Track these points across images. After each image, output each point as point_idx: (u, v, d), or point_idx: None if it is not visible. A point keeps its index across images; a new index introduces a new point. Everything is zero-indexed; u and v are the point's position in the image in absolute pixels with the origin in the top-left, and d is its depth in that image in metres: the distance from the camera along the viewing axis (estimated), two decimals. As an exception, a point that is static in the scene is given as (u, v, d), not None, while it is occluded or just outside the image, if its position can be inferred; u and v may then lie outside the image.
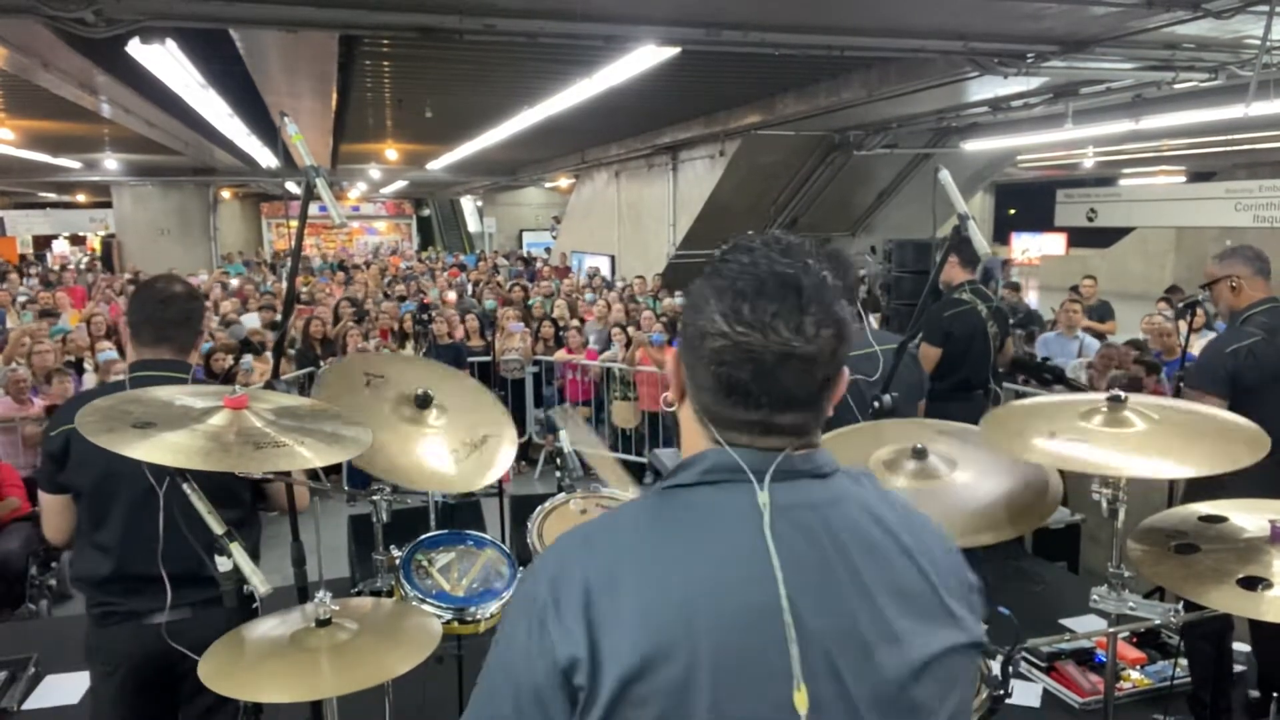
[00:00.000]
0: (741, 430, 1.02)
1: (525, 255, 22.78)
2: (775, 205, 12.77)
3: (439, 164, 17.35)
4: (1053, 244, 23.29)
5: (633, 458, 7.82)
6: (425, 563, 2.61)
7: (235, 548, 1.90)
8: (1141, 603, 2.12)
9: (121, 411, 1.92)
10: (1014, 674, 1.75)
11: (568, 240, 19.44)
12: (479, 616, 2.44)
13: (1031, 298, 13.33)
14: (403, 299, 11.90)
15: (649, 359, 7.62)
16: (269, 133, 11.69)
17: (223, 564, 1.91)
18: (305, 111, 9.40)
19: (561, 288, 12.48)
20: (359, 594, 2.62)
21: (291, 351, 8.22)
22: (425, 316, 8.31)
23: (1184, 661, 3.32)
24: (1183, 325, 4.77)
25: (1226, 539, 1.98)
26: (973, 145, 11.44)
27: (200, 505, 1.90)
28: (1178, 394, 3.67)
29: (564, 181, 22.63)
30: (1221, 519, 2.06)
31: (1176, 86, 7.13)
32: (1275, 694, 3.26)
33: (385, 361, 4.21)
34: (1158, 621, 2.11)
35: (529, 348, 8.57)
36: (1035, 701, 3.30)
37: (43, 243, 26.23)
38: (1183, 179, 20.08)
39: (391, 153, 15.75)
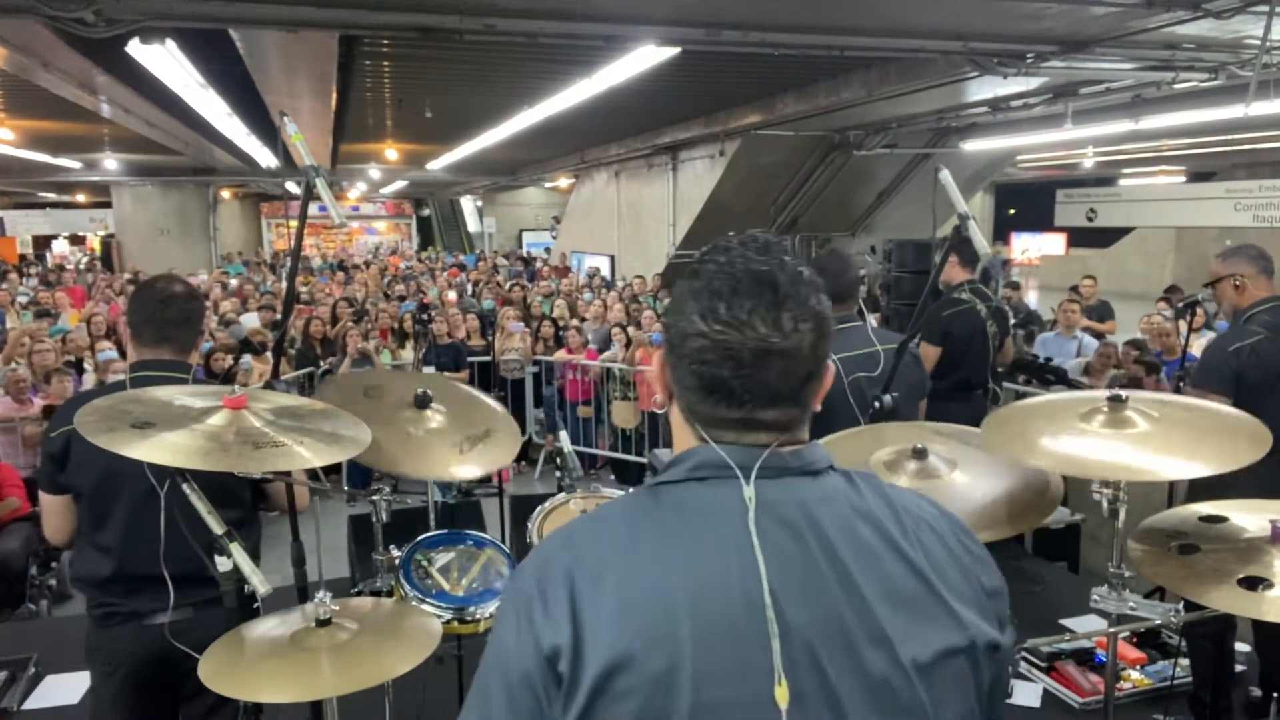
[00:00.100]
0: (727, 428, 1.03)
1: (525, 255, 22.79)
2: (775, 205, 12.77)
3: (439, 164, 17.35)
4: (1052, 244, 23.32)
5: (633, 458, 7.83)
6: (425, 563, 2.61)
7: (235, 548, 1.90)
8: (1142, 603, 2.12)
9: (121, 411, 1.92)
10: (1014, 674, 1.75)
11: (568, 240, 19.44)
12: (479, 616, 2.44)
13: (1031, 298, 13.35)
14: (402, 299, 11.90)
15: (649, 359, 7.62)
16: (269, 133, 11.69)
17: (223, 564, 1.91)
18: (305, 111, 9.40)
19: (561, 287, 12.48)
20: (359, 594, 2.62)
21: (291, 351, 8.23)
22: (425, 316, 8.31)
23: (1184, 661, 3.32)
24: (1182, 325, 4.77)
25: (1227, 539, 1.98)
26: (972, 145, 11.44)
27: (200, 505, 1.90)
28: (1178, 394, 3.66)
29: (564, 181, 22.64)
30: (1222, 519, 2.06)
31: (1176, 86, 7.13)
32: (1275, 694, 3.26)
33: (381, 376, 4.22)
34: (1158, 621, 2.11)
35: (529, 348, 8.58)
36: (1035, 701, 3.30)
37: (42, 243, 26.23)
38: (1183, 179, 20.09)
39: (391, 153, 15.76)
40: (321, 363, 8.29)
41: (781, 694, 0.92)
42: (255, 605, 1.99)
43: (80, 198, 25.75)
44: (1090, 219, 20.45)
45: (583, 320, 9.65)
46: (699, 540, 0.98)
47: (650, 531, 1.00)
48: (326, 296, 11.52)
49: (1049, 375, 6.28)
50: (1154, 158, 17.02)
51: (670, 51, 5.99)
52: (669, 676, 0.92)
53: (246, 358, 7.14)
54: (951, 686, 0.99)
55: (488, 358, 8.33)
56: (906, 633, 0.97)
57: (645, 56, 6.08)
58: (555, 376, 8.42)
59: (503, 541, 3.29)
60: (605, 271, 15.63)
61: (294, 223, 2.55)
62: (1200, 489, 2.69)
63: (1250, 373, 3.14)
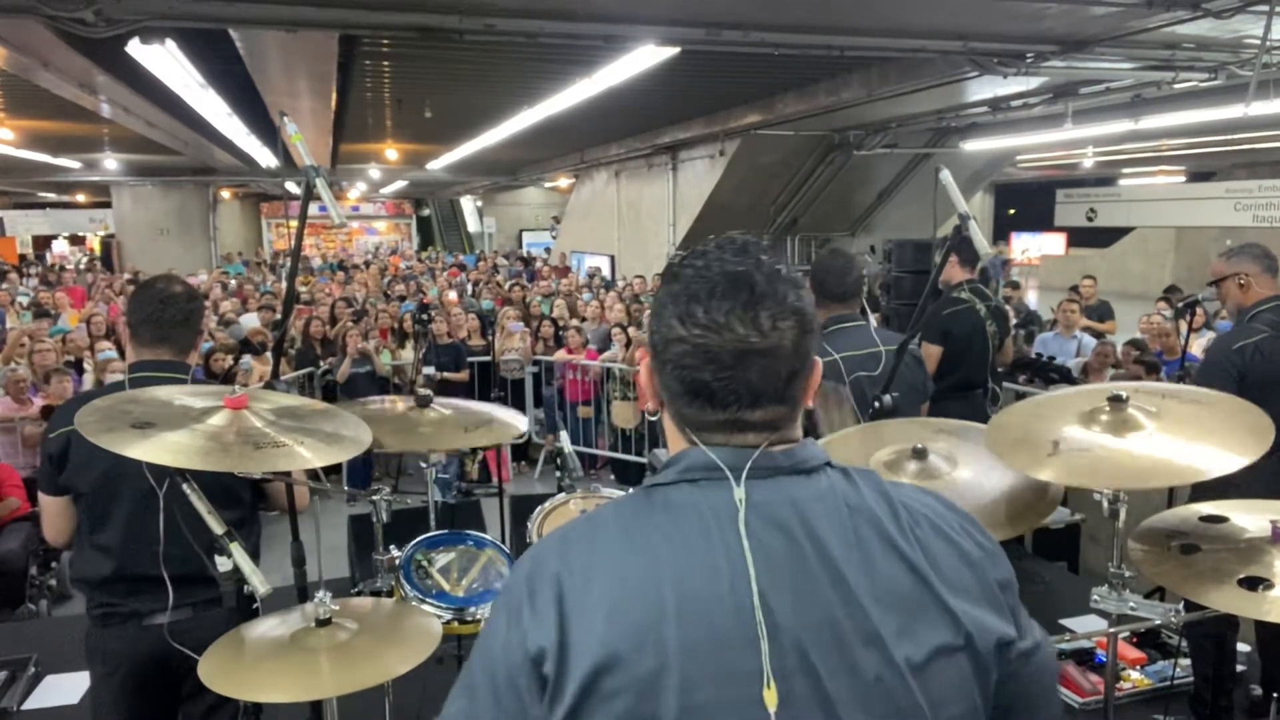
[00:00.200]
0: (715, 430, 1.03)
1: (525, 255, 22.78)
2: (775, 205, 12.78)
3: (439, 164, 17.34)
4: (1052, 244, 23.31)
5: (633, 458, 7.83)
6: (425, 563, 2.61)
7: (235, 548, 1.90)
8: (1142, 603, 2.12)
9: (121, 411, 1.92)
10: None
11: (567, 240, 19.44)
12: (479, 616, 2.44)
13: (1031, 298, 13.35)
14: (403, 299, 11.90)
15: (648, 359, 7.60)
16: (269, 132, 11.69)
17: (223, 564, 1.91)
18: (305, 111, 9.40)
19: (561, 287, 12.48)
20: (359, 594, 2.62)
21: (291, 352, 8.22)
22: (425, 316, 8.31)
23: (1185, 661, 3.32)
24: (1182, 325, 4.77)
25: (1227, 539, 1.98)
26: (972, 145, 11.44)
27: (200, 505, 1.90)
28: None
29: (564, 181, 22.63)
30: (1222, 519, 2.05)
31: (1176, 86, 7.13)
32: (1276, 694, 3.26)
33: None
34: (1158, 621, 2.11)
35: (529, 348, 8.58)
36: (1035, 701, 3.30)
37: (42, 243, 26.23)
38: (1182, 179, 20.09)
39: (391, 153, 15.75)
40: (321, 363, 8.29)
41: (770, 697, 0.92)
42: (255, 606, 1.99)
43: (80, 198, 25.74)
44: (1090, 219, 20.45)
45: (582, 320, 9.66)
46: (689, 542, 0.98)
47: (641, 533, 1.00)
48: (326, 296, 11.52)
49: (1053, 375, 6.27)
50: (1154, 158, 17.03)
51: (670, 51, 5.99)
52: (656, 678, 0.92)
53: (246, 358, 7.15)
54: (951, 686, 0.98)
55: (488, 358, 8.33)
56: (901, 631, 0.96)
57: (645, 56, 6.08)
58: (555, 376, 8.42)
59: (503, 541, 3.29)
60: (605, 271, 15.63)
61: (294, 223, 2.55)
62: (1203, 487, 2.69)
63: (1254, 371, 3.15)
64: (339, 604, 2.00)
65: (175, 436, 1.84)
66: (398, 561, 2.56)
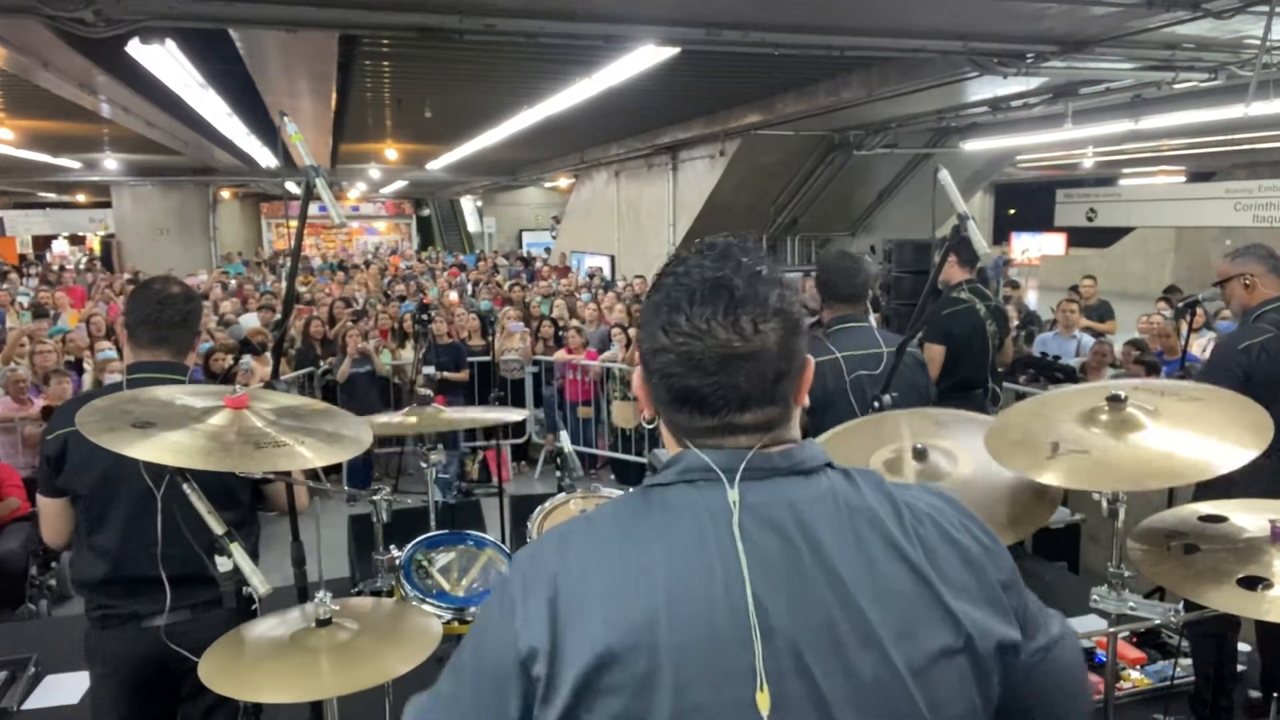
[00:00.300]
0: (707, 436, 1.03)
1: (525, 255, 22.78)
2: (775, 205, 12.77)
3: (439, 164, 17.34)
4: (1052, 244, 23.29)
5: (633, 458, 7.83)
6: (425, 563, 2.62)
7: (235, 548, 1.90)
8: (1141, 603, 2.12)
9: (122, 411, 1.92)
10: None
11: (567, 240, 19.44)
12: (479, 616, 2.44)
13: (1031, 297, 13.36)
14: (403, 299, 11.90)
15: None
16: (268, 132, 11.68)
17: (223, 564, 1.91)
18: (305, 111, 9.39)
19: (560, 287, 12.48)
20: (359, 594, 2.62)
21: (291, 352, 8.22)
22: (425, 316, 8.31)
23: (1185, 661, 3.32)
24: (1182, 325, 4.78)
25: (1227, 539, 1.98)
26: (972, 145, 11.44)
27: (200, 505, 1.91)
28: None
29: (564, 181, 22.63)
30: (1222, 519, 2.06)
31: (1176, 86, 7.13)
32: (1276, 694, 3.26)
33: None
34: (1158, 621, 2.11)
35: (529, 348, 8.58)
36: (1035, 701, 3.30)
37: (42, 243, 26.22)
38: (1182, 179, 20.09)
39: (391, 153, 15.74)
40: (321, 363, 8.29)
41: (763, 700, 0.92)
42: (253, 607, 1.99)
43: (80, 198, 25.74)
44: (1090, 219, 20.45)
45: (583, 321, 9.66)
46: (684, 542, 0.98)
47: (638, 533, 1.00)
48: (326, 297, 11.52)
49: (1058, 374, 6.27)
50: (1154, 158, 17.03)
51: (670, 51, 5.99)
52: (650, 678, 0.92)
53: (246, 358, 7.15)
54: (951, 688, 0.97)
55: (488, 358, 8.33)
56: (900, 633, 0.96)
57: (645, 56, 6.07)
58: (555, 376, 8.42)
59: (503, 541, 3.29)
60: (605, 272, 15.63)
61: (294, 223, 2.55)
62: (1205, 487, 2.69)
63: (1260, 370, 3.16)
64: (339, 604, 2.01)
65: (176, 436, 1.84)
66: (398, 561, 2.56)
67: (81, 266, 19.84)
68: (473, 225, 30.34)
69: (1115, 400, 2.03)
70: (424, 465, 3.12)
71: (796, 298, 1.04)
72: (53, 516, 2.43)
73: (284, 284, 7.24)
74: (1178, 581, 1.89)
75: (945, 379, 4.42)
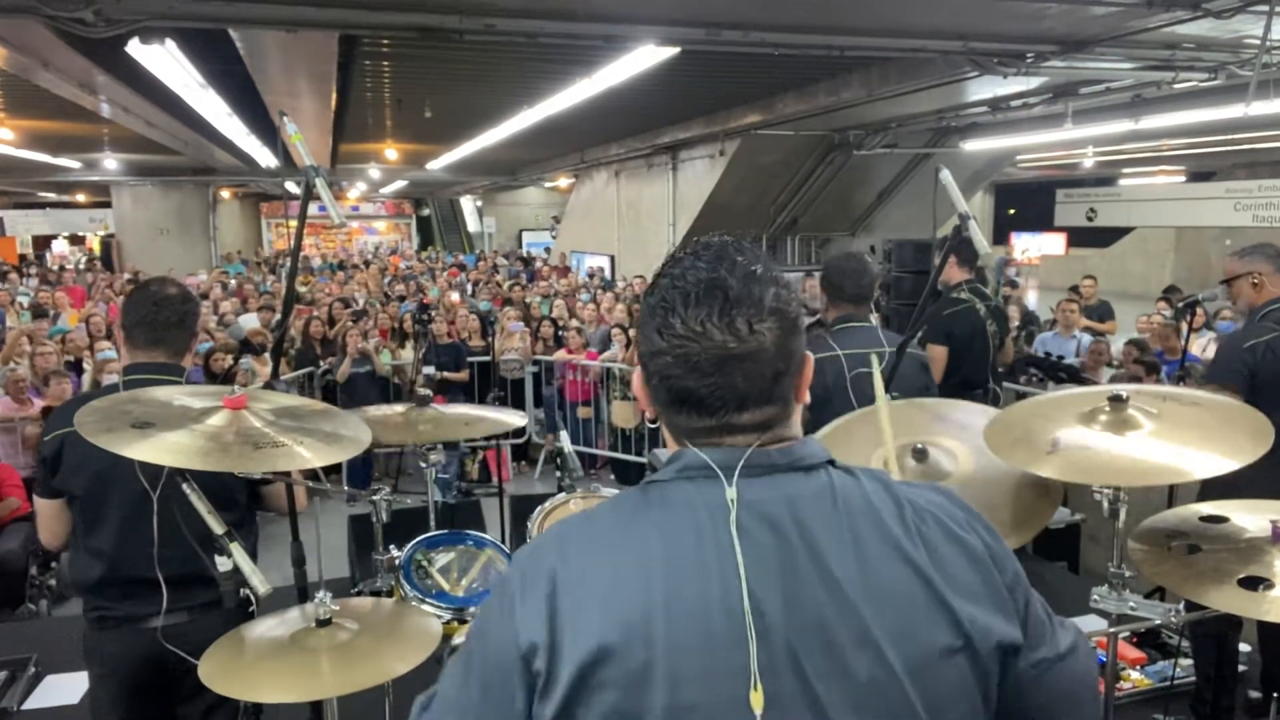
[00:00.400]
0: (706, 436, 1.03)
1: (525, 255, 22.78)
2: (775, 205, 12.77)
3: (439, 164, 17.34)
4: (1052, 244, 23.29)
5: (633, 458, 7.83)
6: (425, 563, 2.62)
7: (235, 548, 1.90)
8: (1142, 603, 2.12)
9: (121, 412, 1.92)
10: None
11: (567, 240, 19.44)
12: (479, 616, 2.44)
13: (1031, 297, 13.36)
14: (402, 299, 11.90)
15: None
16: (268, 132, 11.68)
17: (223, 564, 1.91)
18: (305, 111, 9.39)
19: (560, 287, 12.48)
20: (359, 594, 2.62)
21: (291, 352, 8.23)
22: (425, 316, 8.31)
23: (1185, 661, 3.32)
24: (1182, 325, 4.78)
25: (1227, 539, 1.98)
26: (972, 145, 11.44)
27: (200, 505, 1.90)
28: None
29: (564, 181, 22.63)
30: (1222, 519, 2.05)
31: (1176, 86, 7.13)
32: (1276, 694, 3.26)
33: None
34: (1158, 621, 2.11)
35: (529, 348, 8.58)
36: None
37: (42, 243, 26.21)
38: (1182, 179, 20.09)
39: (391, 153, 15.74)
40: (321, 363, 8.29)
41: (756, 699, 0.92)
42: (250, 609, 1.99)
43: (80, 198, 25.74)
44: (1090, 219, 20.45)
45: (582, 321, 9.66)
46: (681, 539, 0.98)
47: (637, 529, 1.01)
48: (326, 297, 11.53)
49: (1061, 374, 6.26)
50: (1154, 158, 17.03)
51: (670, 51, 5.99)
52: (645, 673, 0.92)
53: (246, 358, 7.15)
54: (950, 688, 0.97)
55: (488, 358, 8.33)
56: (897, 632, 0.95)
57: (645, 56, 6.07)
58: (555, 377, 8.42)
59: (503, 541, 3.29)
60: (606, 272, 15.63)
61: (294, 223, 2.55)
62: (1211, 487, 2.69)
63: (1265, 369, 3.17)
64: (339, 604, 2.00)
65: (175, 436, 1.84)
66: (398, 561, 2.56)
67: (81, 266, 19.85)
68: (473, 225, 30.34)
69: (1117, 400, 2.03)
70: (423, 465, 3.12)
71: (793, 296, 1.03)
72: (49, 518, 2.43)
73: (284, 284, 7.25)
74: (1178, 581, 1.89)
75: (946, 379, 4.42)
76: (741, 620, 0.93)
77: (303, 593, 2.35)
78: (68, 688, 3.47)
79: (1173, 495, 3.49)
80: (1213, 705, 3.21)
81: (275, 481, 2.45)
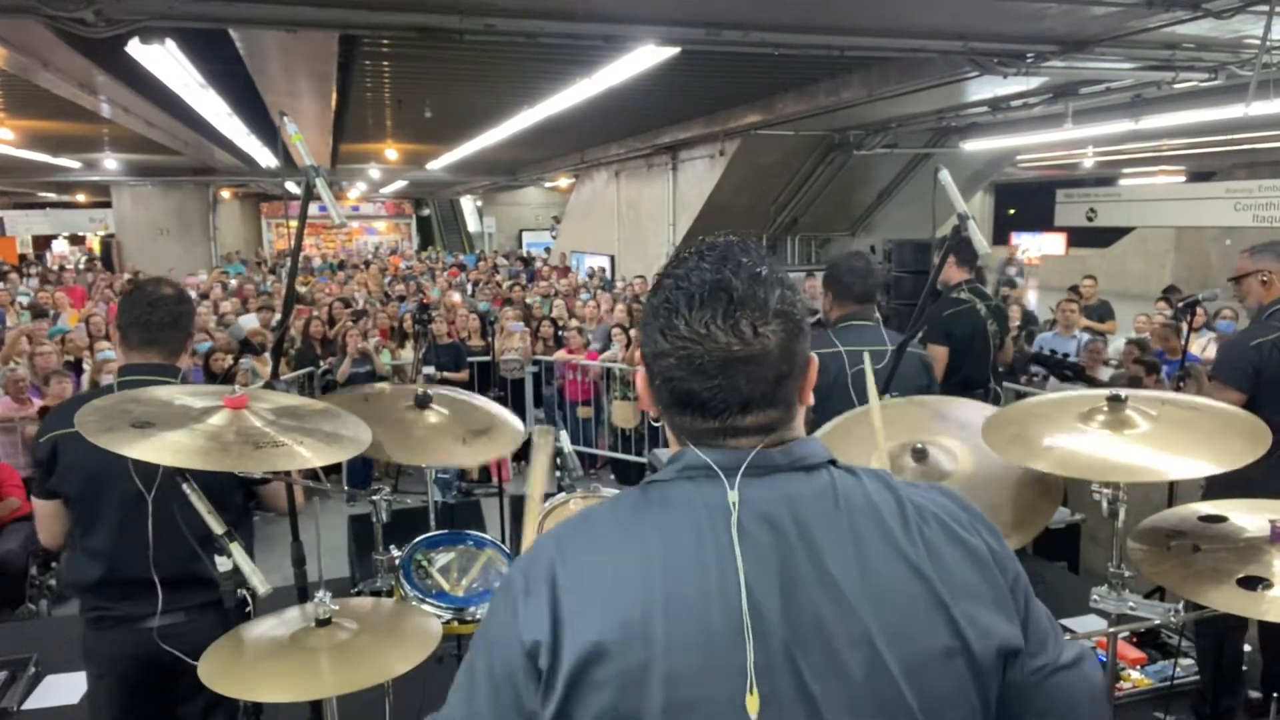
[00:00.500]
0: (709, 438, 1.03)
1: (525, 255, 22.78)
2: (775, 205, 12.77)
3: (439, 164, 17.34)
4: (1052, 244, 23.28)
5: (633, 458, 7.83)
6: (425, 563, 2.62)
7: (235, 548, 1.90)
8: (1141, 603, 2.12)
9: (121, 411, 1.92)
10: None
11: (567, 240, 19.44)
12: (478, 616, 2.44)
13: (1031, 297, 13.36)
14: (402, 299, 11.89)
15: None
16: (269, 132, 11.68)
17: (223, 564, 1.91)
18: (305, 111, 9.39)
19: (560, 288, 12.48)
20: (359, 594, 2.62)
21: (291, 352, 8.23)
22: (425, 316, 8.31)
23: (1185, 661, 3.32)
24: (1182, 325, 4.78)
25: (1227, 539, 1.98)
26: (972, 145, 11.44)
27: (200, 505, 1.90)
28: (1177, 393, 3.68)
29: (564, 181, 22.63)
30: (1222, 519, 2.06)
31: (1176, 86, 7.12)
32: (1276, 694, 3.26)
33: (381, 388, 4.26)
34: (1158, 621, 2.11)
35: (529, 348, 8.58)
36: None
37: (42, 243, 26.20)
38: (1182, 179, 20.08)
39: (391, 153, 15.74)
40: (321, 363, 8.29)
41: (752, 703, 0.92)
42: (247, 610, 1.99)
43: (80, 198, 25.73)
44: (1090, 219, 20.44)
45: (583, 321, 9.66)
46: (681, 538, 0.98)
47: (636, 528, 1.01)
48: (326, 297, 11.53)
49: (1066, 371, 6.25)
50: (1154, 158, 17.02)
51: (670, 51, 5.99)
52: (642, 672, 0.92)
53: (246, 358, 7.15)
54: (948, 689, 0.96)
55: (488, 358, 8.33)
56: (896, 632, 0.95)
57: (645, 56, 6.07)
58: (555, 376, 8.42)
59: (503, 541, 3.29)
60: (606, 272, 15.63)
61: (294, 223, 2.55)
62: (1218, 486, 2.69)
63: (1270, 367, 3.17)
64: (339, 604, 2.00)
65: (175, 436, 1.84)
66: (398, 561, 2.56)
67: (81, 266, 19.84)
68: (473, 225, 30.33)
69: (1115, 400, 2.04)
70: (423, 465, 3.12)
71: (799, 299, 1.03)
72: (47, 518, 2.44)
73: (284, 284, 7.25)
74: (1178, 581, 1.89)
75: (947, 379, 4.43)
76: (739, 619, 0.93)
77: (303, 593, 2.35)
78: (68, 688, 3.47)
79: (1173, 495, 3.49)
80: (1215, 705, 3.21)
81: (272, 481, 2.45)
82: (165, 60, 6.07)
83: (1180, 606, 2.05)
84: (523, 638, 0.97)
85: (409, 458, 2.58)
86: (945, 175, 2.56)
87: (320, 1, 5.14)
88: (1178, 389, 3.97)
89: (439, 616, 2.31)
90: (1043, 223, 22.47)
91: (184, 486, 1.90)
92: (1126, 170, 20.67)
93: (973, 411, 2.33)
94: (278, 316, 8.33)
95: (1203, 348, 7.09)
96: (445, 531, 2.84)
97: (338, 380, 7.95)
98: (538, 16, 5.36)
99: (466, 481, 7.92)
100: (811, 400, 1.07)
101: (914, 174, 12.58)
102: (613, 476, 8.11)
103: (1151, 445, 1.97)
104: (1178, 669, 3.27)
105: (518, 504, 4.30)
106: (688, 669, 0.92)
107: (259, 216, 28.79)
